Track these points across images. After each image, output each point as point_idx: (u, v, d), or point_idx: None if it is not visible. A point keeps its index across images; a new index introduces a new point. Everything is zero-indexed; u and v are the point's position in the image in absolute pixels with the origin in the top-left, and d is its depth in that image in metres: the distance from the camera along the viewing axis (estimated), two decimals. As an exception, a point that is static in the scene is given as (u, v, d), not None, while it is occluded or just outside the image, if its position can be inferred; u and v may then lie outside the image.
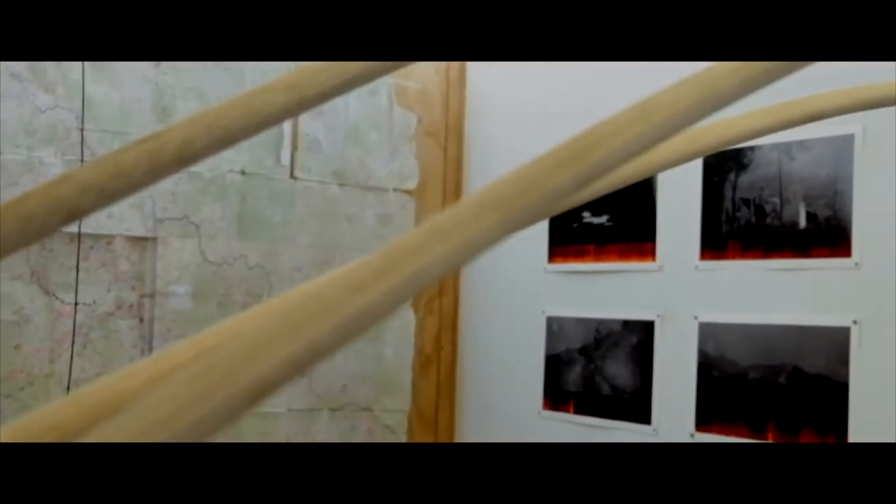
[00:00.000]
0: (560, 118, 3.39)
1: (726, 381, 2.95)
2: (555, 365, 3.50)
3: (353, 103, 3.60)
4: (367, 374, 3.64)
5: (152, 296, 3.21)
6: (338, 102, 3.59)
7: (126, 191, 0.64)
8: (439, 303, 3.85)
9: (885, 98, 1.05)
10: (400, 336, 3.73)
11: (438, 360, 3.83)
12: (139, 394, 0.60)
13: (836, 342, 2.71)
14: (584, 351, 3.41)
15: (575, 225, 3.44)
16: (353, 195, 3.60)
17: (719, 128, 0.94)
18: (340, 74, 0.73)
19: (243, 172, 3.38)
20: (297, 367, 0.42)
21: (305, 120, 3.50)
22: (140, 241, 3.21)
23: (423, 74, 3.76)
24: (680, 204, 3.12)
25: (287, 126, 3.46)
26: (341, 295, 0.46)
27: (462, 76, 3.86)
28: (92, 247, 3.12)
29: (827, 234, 2.74)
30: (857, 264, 2.68)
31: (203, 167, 3.26)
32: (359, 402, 3.62)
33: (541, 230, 3.54)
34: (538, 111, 3.55)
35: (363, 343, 3.62)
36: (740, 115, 0.96)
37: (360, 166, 3.63)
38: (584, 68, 3.42)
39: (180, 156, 0.64)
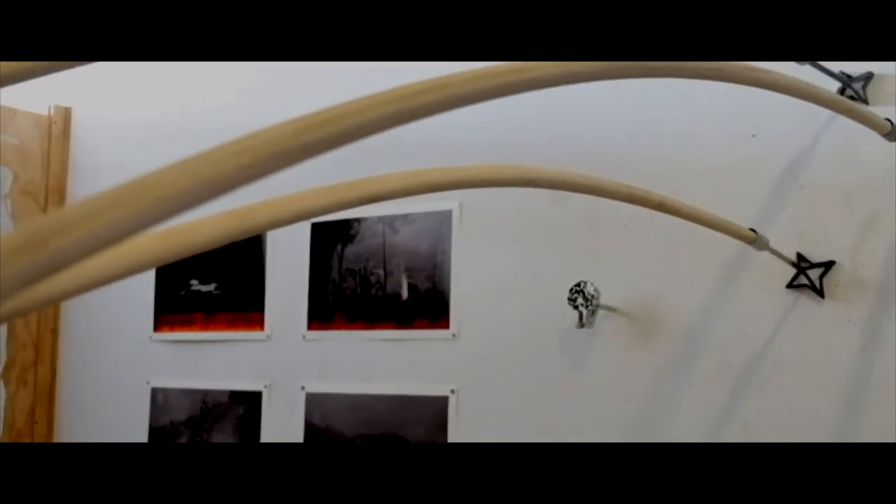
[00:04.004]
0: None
1: (332, 451, 2.94)
2: (159, 438, 3.34)
3: (-62, 156, 3.29)
4: (-53, 453, 3.29)
5: None
6: (-80, 154, 3.26)
7: None
8: (34, 374, 3.57)
9: (444, 182, 1.07)
10: (-13, 410, 3.41)
11: (31, 436, 3.54)
12: None
13: (436, 410, 2.78)
14: (189, 423, 3.28)
15: (182, 293, 3.33)
16: (-65, 256, 3.27)
17: (273, 206, 0.91)
18: None
19: None
20: None
21: None
22: None
23: (22, 129, 3.51)
24: (288, 273, 3.10)
25: None
26: None
27: (66, 132, 3.64)
28: None
29: (428, 306, 2.82)
30: (454, 335, 2.77)
31: None
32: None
33: (146, 297, 3.39)
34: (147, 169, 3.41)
35: (-57, 419, 3.27)
36: (296, 194, 0.94)
37: (-56, 224, 3.31)
38: (196, 125, 3.34)
39: None
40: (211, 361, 3.26)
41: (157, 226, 0.53)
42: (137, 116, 3.54)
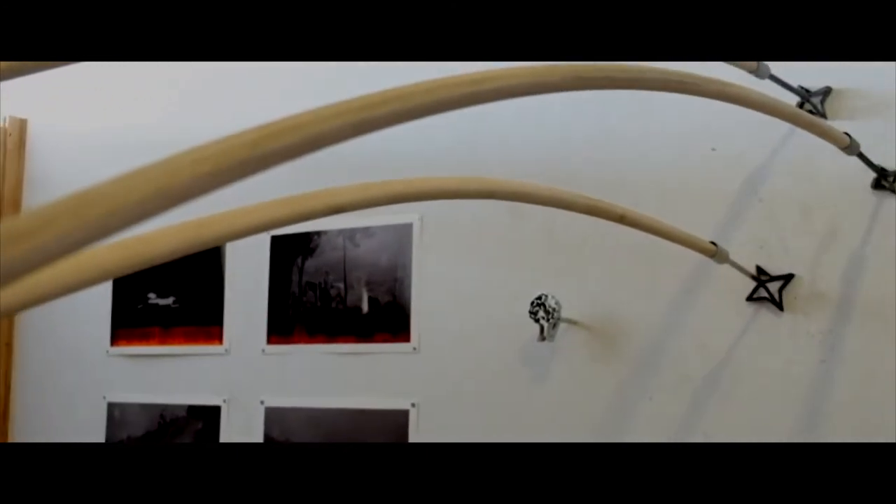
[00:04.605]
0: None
1: (291, 466, 2.91)
2: (115, 454, 3.29)
3: None
4: None
5: None
6: None
7: None
8: (-12, 389, 3.51)
9: (406, 194, 1.06)
10: (-61, 427, 3.35)
11: (-15, 453, 3.48)
12: None
13: (396, 424, 2.76)
14: (147, 438, 3.23)
15: (140, 306, 3.29)
16: None
17: (231, 217, 0.89)
18: None
19: None
20: None
21: None
22: None
23: (-23, 140, 3.46)
24: (248, 286, 3.07)
25: None
26: None
27: (21, 143, 3.59)
28: None
29: (388, 320, 2.80)
30: (415, 349, 2.75)
31: None
32: None
33: (103, 311, 3.35)
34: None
35: None
36: (255, 206, 0.92)
37: None
38: (156, 134, 3.30)
39: None
40: (169, 376, 3.22)
41: (112, 237, 0.52)
42: (95, 127, 3.50)
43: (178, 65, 3.20)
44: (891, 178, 2.11)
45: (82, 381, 3.41)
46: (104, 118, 3.49)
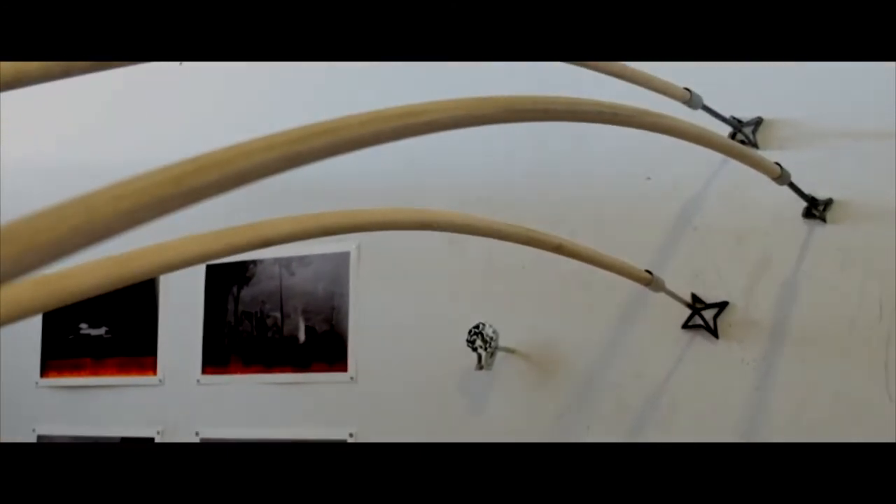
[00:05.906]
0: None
1: (227, 499, 2.87)
2: (45, 488, 3.21)
3: None
4: None
5: None
6: None
7: None
8: (-88, 423, 3.41)
9: (339, 226, 1.05)
10: None
11: None
12: None
13: (334, 455, 2.74)
14: (78, 472, 3.16)
15: (71, 337, 3.22)
16: None
17: (157, 252, 0.87)
18: None
19: None
20: None
21: None
22: None
23: None
24: (182, 316, 3.03)
25: None
26: None
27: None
28: None
29: (325, 349, 2.78)
30: (352, 378, 2.73)
31: None
32: None
33: (32, 341, 3.28)
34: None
35: None
36: (182, 240, 0.90)
37: None
38: (88, 165, 3.25)
39: None
40: (101, 407, 3.16)
41: (27, 275, 0.50)
42: (14, 157, 3.44)
43: (96, 87, 3.16)
44: (821, 207, 2.15)
45: (10, 413, 3.33)
46: (24, 147, 3.43)
